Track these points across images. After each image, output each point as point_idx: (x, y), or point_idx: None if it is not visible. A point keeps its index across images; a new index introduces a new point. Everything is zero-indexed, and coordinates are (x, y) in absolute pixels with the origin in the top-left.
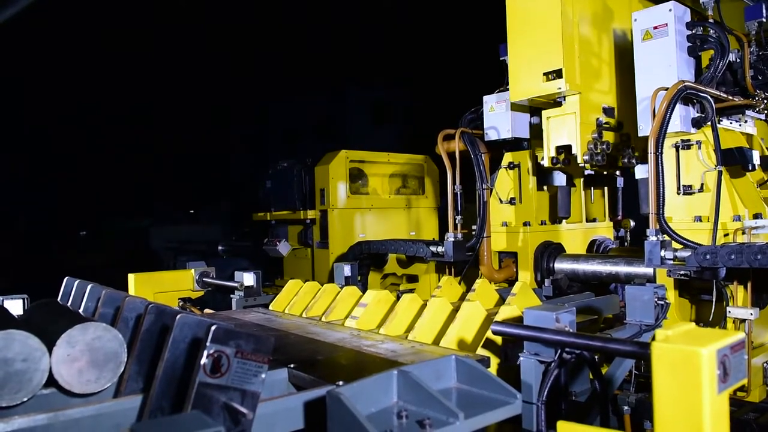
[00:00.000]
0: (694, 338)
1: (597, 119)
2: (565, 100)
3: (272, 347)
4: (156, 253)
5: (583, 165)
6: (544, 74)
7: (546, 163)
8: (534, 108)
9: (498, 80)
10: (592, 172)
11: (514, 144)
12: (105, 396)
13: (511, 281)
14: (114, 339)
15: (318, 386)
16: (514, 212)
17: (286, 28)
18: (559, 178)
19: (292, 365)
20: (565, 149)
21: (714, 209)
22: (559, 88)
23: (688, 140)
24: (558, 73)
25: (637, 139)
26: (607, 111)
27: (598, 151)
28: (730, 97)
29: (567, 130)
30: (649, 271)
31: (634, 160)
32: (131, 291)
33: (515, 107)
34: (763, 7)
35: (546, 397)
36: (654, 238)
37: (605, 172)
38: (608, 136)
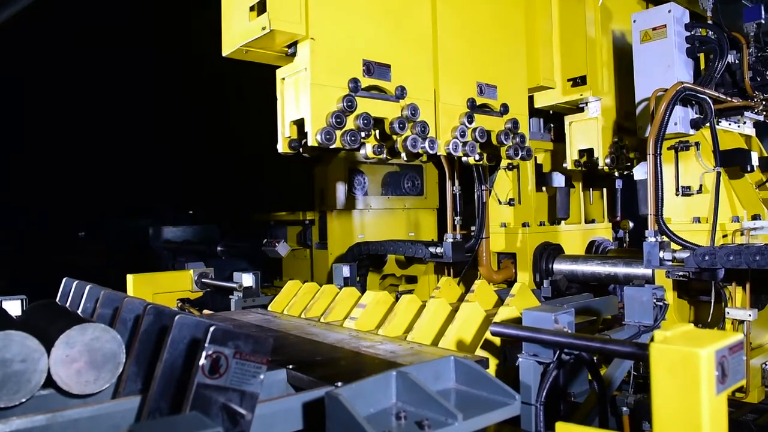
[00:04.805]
0: (692, 339)
1: (350, 81)
2: (296, 52)
3: (271, 348)
4: (155, 253)
5: (347, 152)
6: (251, 9)
7: (281, 148)
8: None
9: None
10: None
11: None
12: (103, 397)
13: (510, 282)
14: (112, 340)
15: (317, 387)
16: (512, 213)
17: None
18: (558, 179)
19: (290, 366)
20: (298, 125)
21: (713, 210)
22: (264, 29)
23: (687, 141)
24: (262, 6)
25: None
26: (376, 69)
27: (343, 128)
28: (729, 99)
29: (300, 98)
30: (648, 272)
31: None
32: (130, 292)
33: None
34: (762, 8)
35: (545, 398)
36: (653, 239)
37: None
38: (368, 106)
